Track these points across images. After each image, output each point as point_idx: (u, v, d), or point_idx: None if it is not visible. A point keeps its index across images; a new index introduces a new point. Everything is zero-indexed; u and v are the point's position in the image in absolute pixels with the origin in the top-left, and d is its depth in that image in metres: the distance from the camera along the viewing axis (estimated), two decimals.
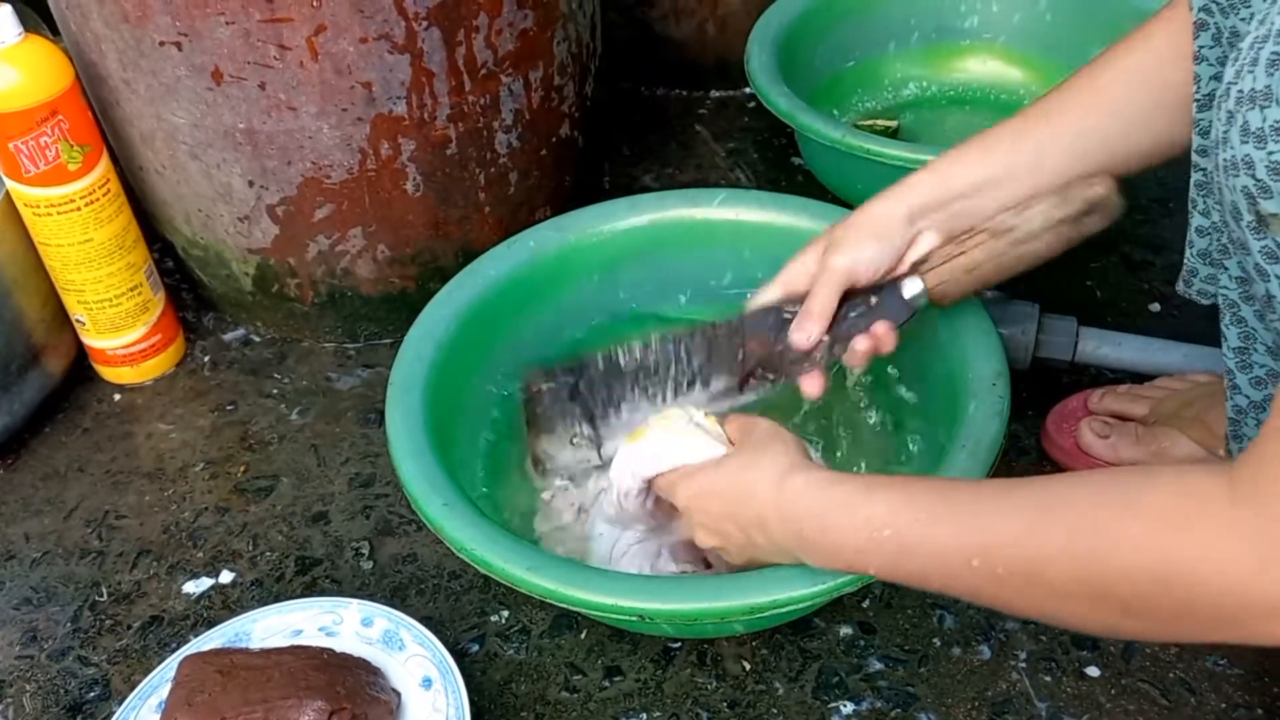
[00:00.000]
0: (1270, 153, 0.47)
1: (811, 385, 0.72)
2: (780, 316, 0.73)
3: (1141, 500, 0.46)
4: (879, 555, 0.54)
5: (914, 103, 1.21)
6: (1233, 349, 0.59)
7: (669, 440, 0.68)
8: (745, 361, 0.73)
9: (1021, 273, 0.71)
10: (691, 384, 0.75)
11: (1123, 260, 1.03)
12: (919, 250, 0.71)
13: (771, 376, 0.73)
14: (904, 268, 0.71)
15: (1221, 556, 0.43)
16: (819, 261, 0.71)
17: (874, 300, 0.71)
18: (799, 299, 0.71)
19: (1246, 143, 0.48)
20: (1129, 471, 0.49)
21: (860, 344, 0.70)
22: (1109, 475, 0.50)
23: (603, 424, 0.76)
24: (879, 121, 1.16)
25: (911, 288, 0.71)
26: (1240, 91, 0.49)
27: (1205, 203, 0.62)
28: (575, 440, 0.75)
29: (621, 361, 0.76)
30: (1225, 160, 0.50)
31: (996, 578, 0.49)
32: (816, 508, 0.57)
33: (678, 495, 0.66)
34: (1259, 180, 0.48)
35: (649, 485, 0.69)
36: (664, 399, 0.75)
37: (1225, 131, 0.50)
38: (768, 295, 0.73)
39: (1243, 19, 0.56)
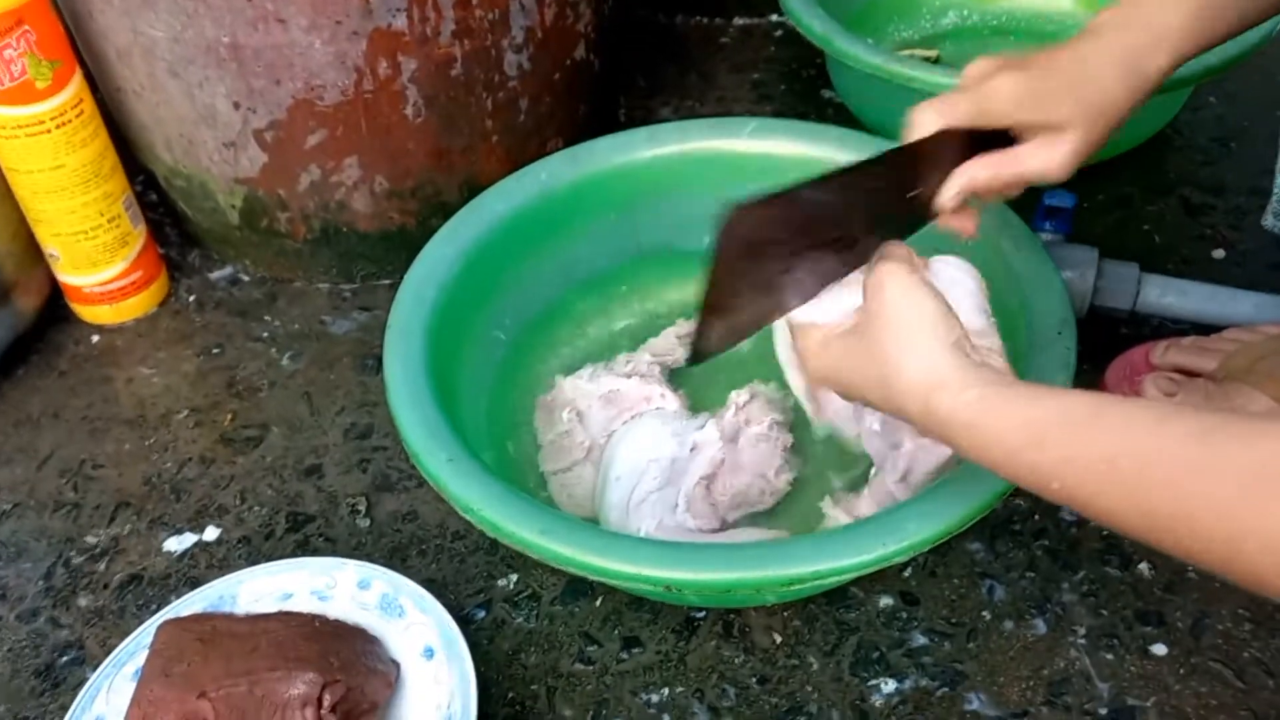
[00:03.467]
0: None
1: (968, 222, 0.61)
2: (966, 147, 0.59)
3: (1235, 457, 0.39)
4: (1016, 466, 0.47)
5: (954, 33, 1.14)
6: None
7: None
8: (915, 198, 0.59)
9: None
10: (864, 236, 0.58)
11: (1181, 203, 0.96)
12: None
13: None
14: None
15: None
16: (1035, 129, 0.58)
17: None
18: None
19: None
20: (1237, 420, 0.41)
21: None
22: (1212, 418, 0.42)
23: (776, 294, 0.57)
24: (917, 52, 1.09)
25: None
26: None
27: None
28: (746, 309, 0.57)
29: (829, 195, 0.56)
30: None
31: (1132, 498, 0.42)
32: (963, 429, 0.48)
33: (808, 360, 0.58)
34: None
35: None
36: (840, 250, 0.58)
37: None
38: (959, 111, 0.59)
39: None
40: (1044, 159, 0.58)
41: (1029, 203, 0.83)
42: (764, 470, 0.71)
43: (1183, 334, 0.79)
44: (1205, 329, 0.80)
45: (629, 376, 0.76)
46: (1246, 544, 0.39)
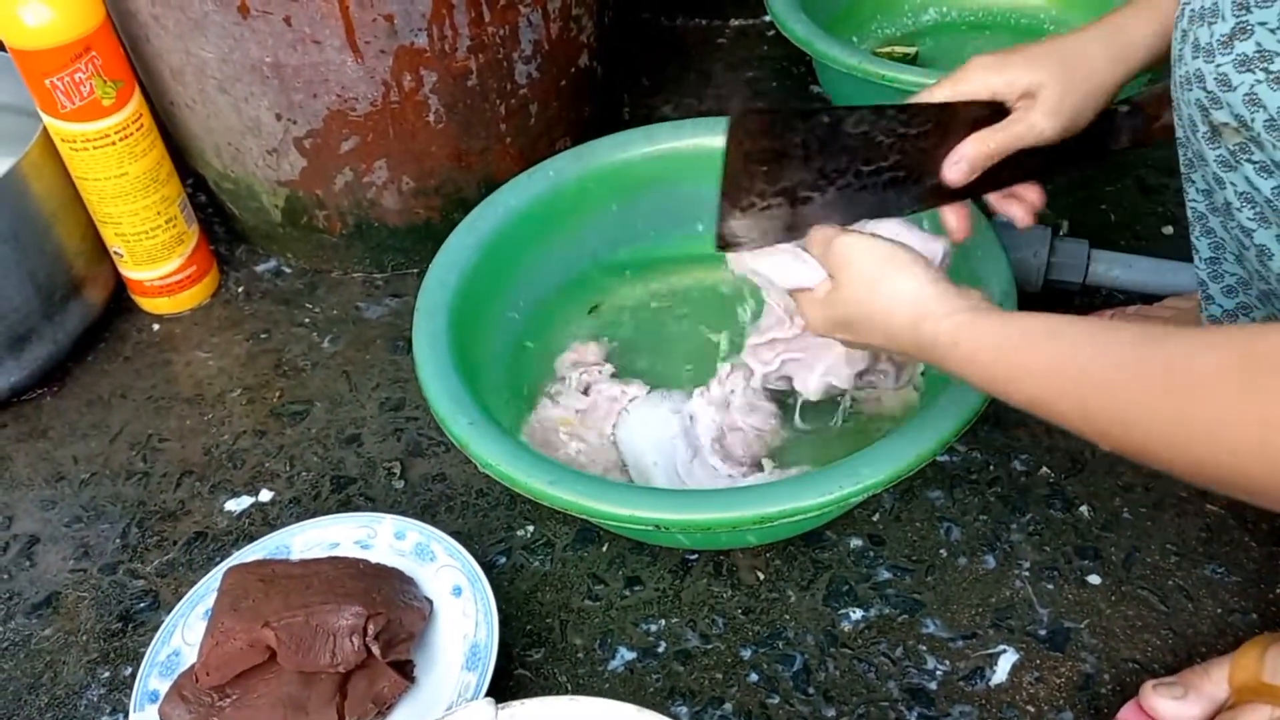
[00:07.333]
0: (1218, 65, 0.51)
1: (963, 223, 0.69)
2: (996, 112, 0.65)
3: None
4: (991, 381, 0.53)
5: (933, 29, 1.21)
6: (1204, 260, 0.61)
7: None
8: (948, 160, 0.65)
9: None
10: (906, 179, 0.66)
11: (1137, 184, 1.03)
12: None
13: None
14: None
15: None
16: (1019, 99, 0.64)
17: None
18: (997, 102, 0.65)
19: (1197, 58, 0.52)
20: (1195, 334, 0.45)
21: (1033, 196, 0.69)
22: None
23: (805, 206, 0.65)
24: (897, 48, 1.16)
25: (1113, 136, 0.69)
26: (1192, 10, 0.53)
27: None
28: (769, 210, 0.64)
29: (848, 127, 0.64)
30: (1180, 76, 0.54)
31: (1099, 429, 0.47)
32: (949, 350, 0.55)
33: (813, 319, 0.65)
34: (1210, 92, 0.52)
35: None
36: (879, 189, 0.66)
37: (1180, 49, 0.54)
38: (936, 93, 0.66)
39: None
40: (1021, 119, 0.64)
41: None
42: (760, 426, 0.80)
43: (1129, 303, 0.88)
44: (1149, 298, 0.88)
45: (586, 393, 0.84)
46: (1177, 436, 0.43)
